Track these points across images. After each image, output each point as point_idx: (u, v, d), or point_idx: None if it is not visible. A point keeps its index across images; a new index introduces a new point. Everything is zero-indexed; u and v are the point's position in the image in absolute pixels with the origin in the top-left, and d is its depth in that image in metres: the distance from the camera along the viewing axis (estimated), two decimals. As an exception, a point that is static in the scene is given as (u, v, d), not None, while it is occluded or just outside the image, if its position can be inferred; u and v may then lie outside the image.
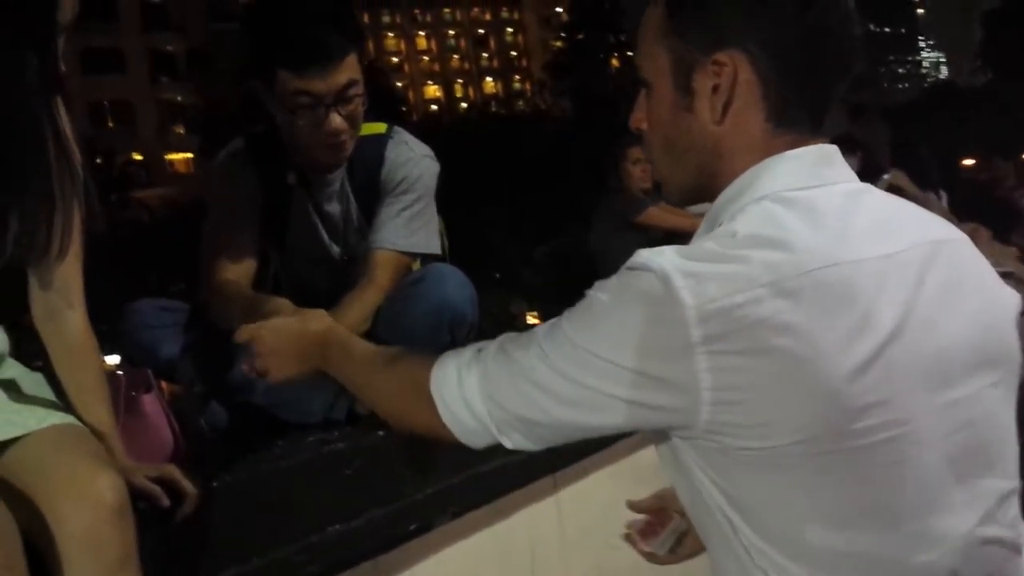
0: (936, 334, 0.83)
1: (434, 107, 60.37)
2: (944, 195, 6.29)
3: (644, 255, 0.83)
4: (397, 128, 1.82)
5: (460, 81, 67.99)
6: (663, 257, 0.81)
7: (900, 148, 6.47)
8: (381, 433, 1.52)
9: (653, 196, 4.05)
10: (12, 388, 1.22)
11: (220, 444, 1.51)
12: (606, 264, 3.96)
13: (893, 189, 5.39)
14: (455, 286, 1.61)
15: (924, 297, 0.83)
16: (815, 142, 0.90)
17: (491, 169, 14.45)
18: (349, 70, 1.60)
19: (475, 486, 1.68)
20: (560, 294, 5.14)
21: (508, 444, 0.95)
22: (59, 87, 1.10)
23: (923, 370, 0.82)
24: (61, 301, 1.19)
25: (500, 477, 1.74)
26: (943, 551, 0.82)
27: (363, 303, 1.59)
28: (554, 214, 10.34)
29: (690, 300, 0.77)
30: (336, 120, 1.61)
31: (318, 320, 1.18)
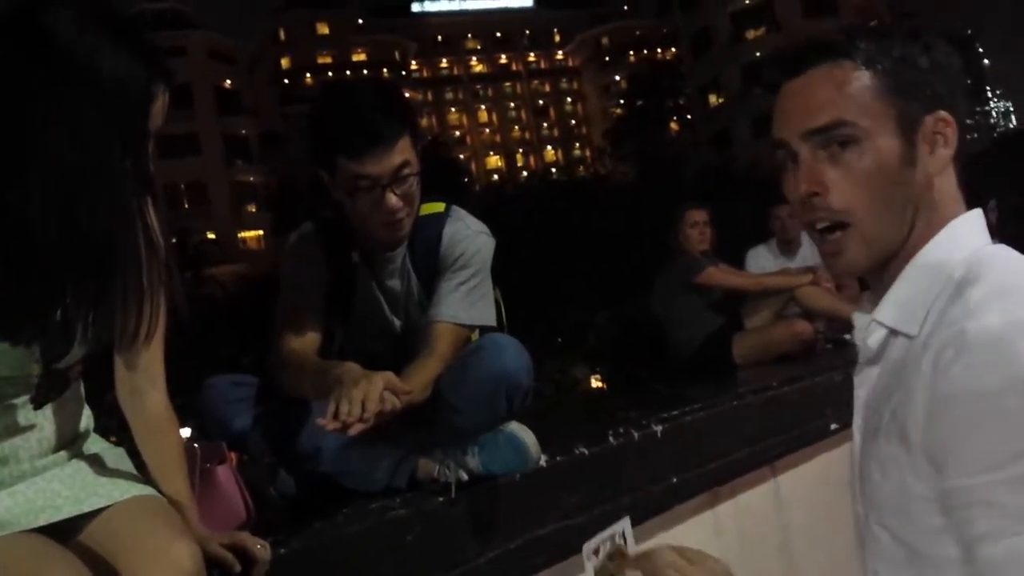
0: None
1: (495, 177, 61.35)
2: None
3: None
4: (455, 207, 1.92)
5: (521, 151, 69.05)
6: None
7: (969, 200, 6.38)
8: (440, 499, 1.58)
9: (711, 257, 4.08)
10: (97, 462, 1.32)
11: (289, 512, 1.57)
12: (669, 325, 3.98)
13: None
14: (512, 355, 1.67)
15: None
16: None
17: (553, 235, 14.55)
18: (402, 152, 1.70)
19: (533, 551, 1.71)
20: (620, 357, 5.14)
21: None
22: (150, 186, 1.21)
23: None
24: (145, 382, 1.29)
25: (558, 542, 1.77)
26: None
27: (425, 371, 1.66)
28: (616, 279, 10.35)
29: None
30: (392, 200, 1.71)
31: None
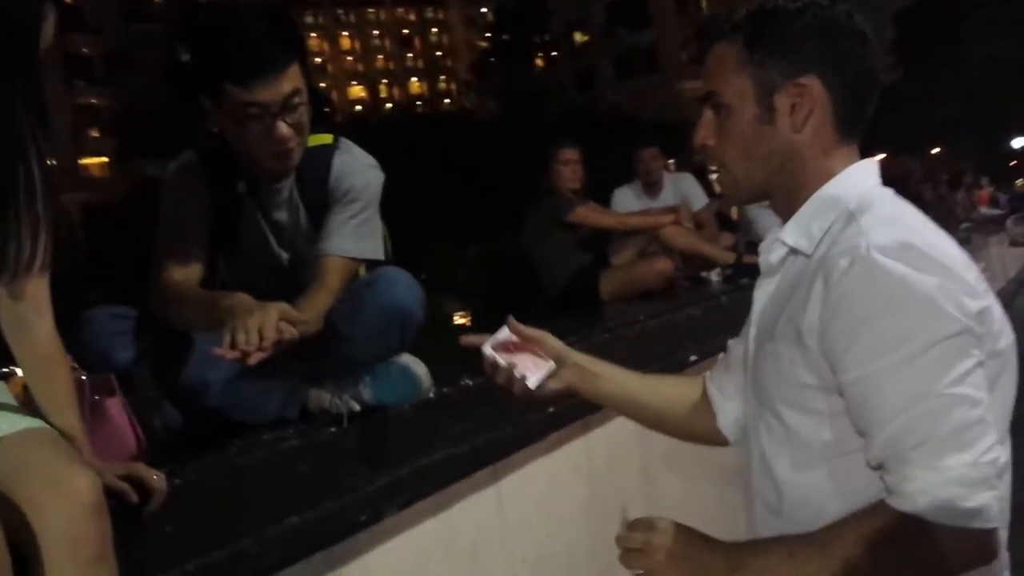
0: None
1: (358, 107, 59.86)
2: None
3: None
4: (343, 139, 1.91)
5: (385, 81, 67.56)
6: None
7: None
8: (333, 429, 1.61)
9: (582, 196, 4.19)
10: (-21, 396, 1.28)
11: (179, 444, 1.57)
12: (539, 261, 4.09)
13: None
14: (406, 289, 1.70)
15: None
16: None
17: (417, 170, 14.43)
18: (292, 79, 1.67)
19: (421, 478, 1.78)
20: (492, 293, 5.25)
21: (1005, 456, 0.97)
22: (43, 111, 1.16)
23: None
24: (32, 312, 1.25)
25: (444, 469, 1.85)
26: None
27: (317, 303, 1.67)
28: (483, 215, 10.45)
29: None
30: (283, 128, 1.68)
31: (725, 547, 1.11)
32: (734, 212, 5.06)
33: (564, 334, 2.39)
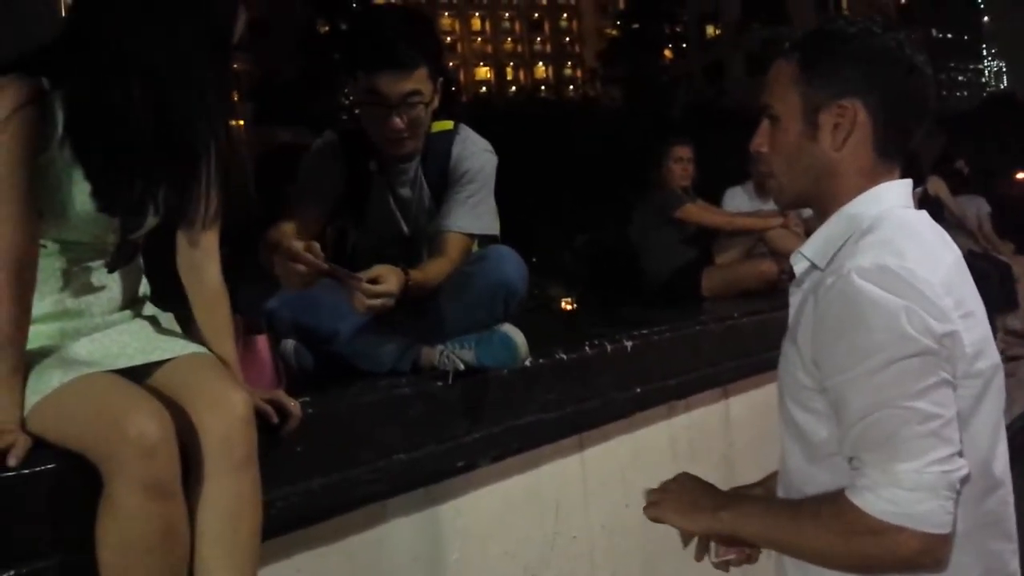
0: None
1: (483, 89, 60.54)
2: (985, 205, 6.44)
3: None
4: (463, 126, 2.14)
5: (512, 64, 68.03)
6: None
7: (944, 158, 6.61)
8: (439, 383, 1.83)
9: (691, 194, 4.30)
10: (155, 323, 1.55)
11: (310, 382, 1.81)
12: (644, 254, 4.23)
13: (928, 196, 5.56)
14: (512, 265, 1.92)
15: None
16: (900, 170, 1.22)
17: (538, 155, 14.62)
18: (417, 81, 1.90)
19: (512, 436, 1.98)
20: (596, 281, 5.39)
21: (962, 470, 1.05)
22: (229, 91, 1.42)
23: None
24: (204, 258, 1.51)
25: (534, 431, 2.05)
26: None
27: (437, 270, 1.90)
28: (596, 204, 10.56)
29: None
30: (395, 122, 1.91)
31: (724, 494, 1.31)
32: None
33: (659, 323, 2.57)
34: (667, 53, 44.34)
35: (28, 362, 1.32)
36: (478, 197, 2.05)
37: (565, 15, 70.08)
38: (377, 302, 1.67)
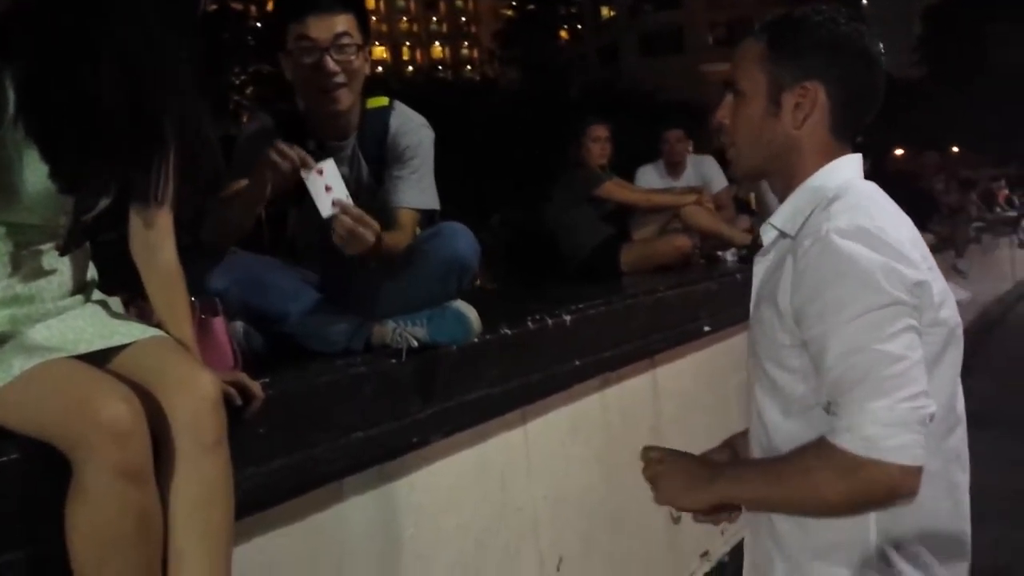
0: None
1: (379, 68, 59.71)
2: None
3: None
4: (397, 102, 2.15)
5: (408, 44, 67.30)
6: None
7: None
8: (393, 361, 1.84)
9: (608, 172, 4.40)
10: (106, 307, 1.50)
11: (263, 363, 1.79)
12: (563, 232, 4.30)
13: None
14: (465, 242, 1.93)
15: None
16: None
17: (440, 135, 14.53)
18: (344, 24, 1.95)
19: (462, 412, 2.01)
20: (514, 260, 5.45)
21: (930, 407, 1.13)
22: (196, 73, 1.38)
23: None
24: (159, 238, 1.47)
25: (482, 406, 2.08)
26: None
27: (396, 241, 1.92)
28: (505, 183, 10.63)
29: None
30: (330, 63, 1.94)
31: (711, 463, 1.38)
32: (752, 199, 5.26)
33: (588, 299, 2.64)
34: (563, 34, 44.69)
35: None
36: (420, 173, 2.07)
37: (460, -5, 69.80)
38: (360, 230, 1.70)
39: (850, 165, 1.30)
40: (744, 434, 1.43)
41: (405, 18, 67.97)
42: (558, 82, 27.08)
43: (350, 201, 1.73)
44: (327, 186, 1.73)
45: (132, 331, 1.42)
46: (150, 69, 1.30)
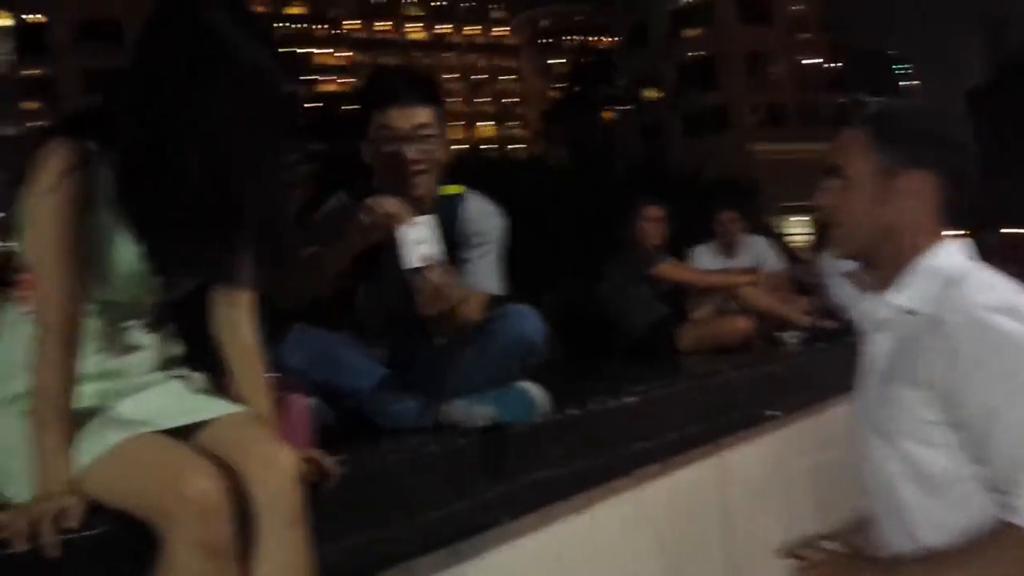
0: None
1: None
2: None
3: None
4: (471, 190, 2.20)
5: (455, 123, 68.94)
6: None
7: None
8: (462, 440, 1.83)
9: (663, 252, 4.40)
10: (192, 383, 1.53)
11: (336, 440, 1.79)
12: (618, 311, 4.28)
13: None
14: (532, 325, 1.95)
15: None
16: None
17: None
18: (423, 116, 2.03)
19: (530, 492, 1.98)
20: (568, 338, 5.44)
21: None
22: (287, 159, 1.43)
23: None
24: (242, 317, 1.50)
25: (548, 487, 2.05)
26: None
27: (466, 318, 1.95)
28: (554, 261, 10.67)
29: None
30: (409, 151, 2.01)
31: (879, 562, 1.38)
32: (810, 278, 5.21)
33: (647, 379, 2.61)
34: (606, 114, 45.42)
35: (75, 423, 1.30)
36: (488, 258, 2.10)
37: (506, 77, 71.53)
38: (447, 286, 1.77)
39: (964, 247, 1.35)
40: (860, 523, 1.42)
41: (453, 98, 69.84)
42: (603, 160, 27.39)
43: (440, 259, 1.77)
44: (420, 240, 1.77)
45: (214, 407, 1.44)
46: (238, 151, 1.34)
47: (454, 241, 2.11)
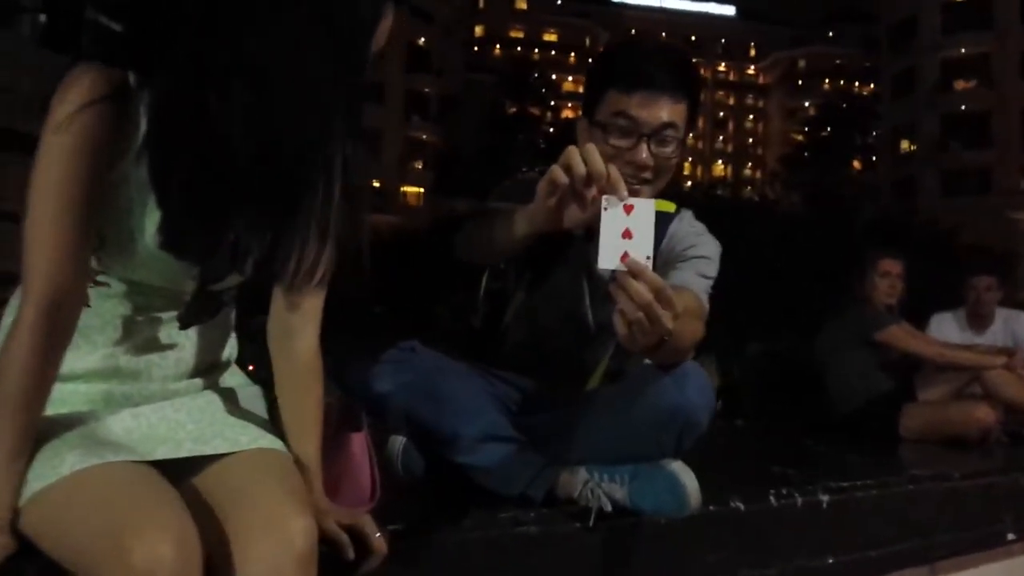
0: None
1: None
2: None
3: None
4: (685, 210, 1.76)
5: (690, 160, 67.76)
6: None
7: None
8: (577, 524, 1.40)
9: (896, 314, 3.71)
10: (230, 399, 1.21)
11: (412, 496, 1.43)
12: (832, 375, 3.65)
13: None
14: (696, 389, 1.43)
15: None
16: None
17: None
18: (673, 113, 1.57)
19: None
20: (769, 398, 4.82)
21: None
22: (358, 120, 1.07)
23: None
24: (302, 324, 1.16)
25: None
26: None
27: (684, 344, 1.41)
28: (770, 310, 9.87)
29: None
30: (643, 153, 1.56)
31: None
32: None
33: (855, 473, 2.04)
34: (855, 163, 42.85)
35: (44, 433, 1.00)
36: (700, 266, 1.63)
37: (751, 116, 69.47)
38: (658, 306, 1.08)
39: None
40: None
41: (692, 135, 68.57)
42: (844, 211, 25.65)
43: (649, 264, 1.10)
44: (627, 231, 1.11)
45: (239, 437, 1.11)
46: (291, 105, 0.99)
47: (661, 261, 1.66)
